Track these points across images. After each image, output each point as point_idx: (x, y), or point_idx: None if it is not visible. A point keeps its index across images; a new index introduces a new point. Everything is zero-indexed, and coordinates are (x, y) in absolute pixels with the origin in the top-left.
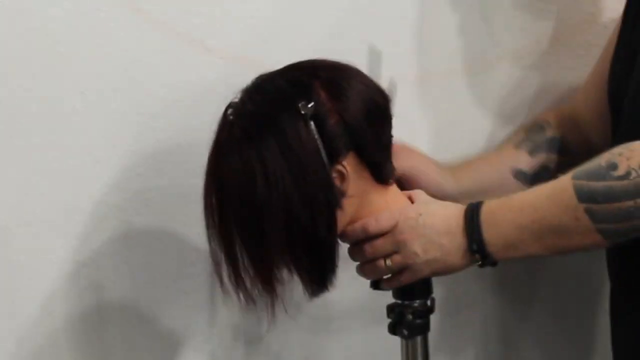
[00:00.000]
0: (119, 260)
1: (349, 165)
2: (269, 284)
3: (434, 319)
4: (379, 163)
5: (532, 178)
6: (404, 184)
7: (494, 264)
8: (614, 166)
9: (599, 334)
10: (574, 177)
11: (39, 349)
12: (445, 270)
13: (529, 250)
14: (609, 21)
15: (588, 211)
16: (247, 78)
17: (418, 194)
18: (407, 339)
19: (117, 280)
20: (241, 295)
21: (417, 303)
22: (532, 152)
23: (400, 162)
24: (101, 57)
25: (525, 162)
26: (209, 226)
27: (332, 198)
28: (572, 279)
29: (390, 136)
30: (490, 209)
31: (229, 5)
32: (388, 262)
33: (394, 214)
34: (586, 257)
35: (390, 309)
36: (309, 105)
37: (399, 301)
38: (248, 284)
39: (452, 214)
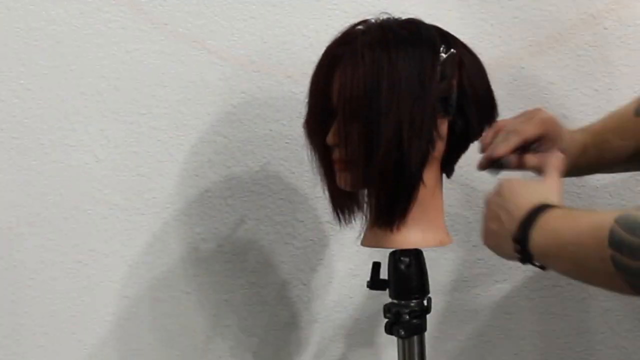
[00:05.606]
0: (119, 260)
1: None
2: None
3: (430, 319)
4: (456, 153)
5: None
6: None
7: (542, 267)
8: None
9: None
10: (616, 220)
11: (40, 347)
12: (496, 248)
13: (565, 269)
14: (608, 22)
15: (612, 258)
16: (246, 78)
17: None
18: (404, 338)
19: (117, 280)
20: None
21: (413, 303)
22: None
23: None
24: (102, 57)
25: None
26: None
27: (432, 136)
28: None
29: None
30: (551, 215)
31: (230, 6)
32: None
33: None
34: None
35: (387, 309)
36: (449, 52)
37: (396, 301)
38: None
39: (525, 203)
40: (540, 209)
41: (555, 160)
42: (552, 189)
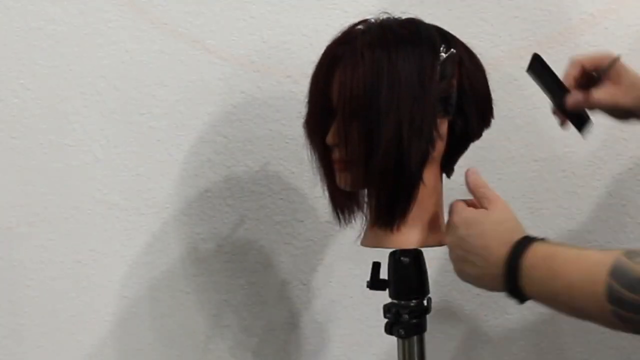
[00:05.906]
0: (119, 261)
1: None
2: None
3: (430, 319)
4: (456, 153)
5: None
6: None
7: None
8: None
9: None
10: (610, 275)
11: (39, 347)
12: (485, 287)
13: (564, 313)
14: (608, 22)
15: (615, 313)
16: (246, 78)
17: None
18: (404, 338)
19: (117, 280)
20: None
21: (413, 303)
22: None
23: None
24: (102, 57)
25: None
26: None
27: (432, 135)
28: None
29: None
30: (532, 263)
31: (230, 6)
32: None
33: (459, 209)
34: None
35: (387, 309)
36: (449, 51)
37: (396, 301)
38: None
39: (497, 246)
40: (516, 253)
41: (478, 178)
42: (505, 214)
